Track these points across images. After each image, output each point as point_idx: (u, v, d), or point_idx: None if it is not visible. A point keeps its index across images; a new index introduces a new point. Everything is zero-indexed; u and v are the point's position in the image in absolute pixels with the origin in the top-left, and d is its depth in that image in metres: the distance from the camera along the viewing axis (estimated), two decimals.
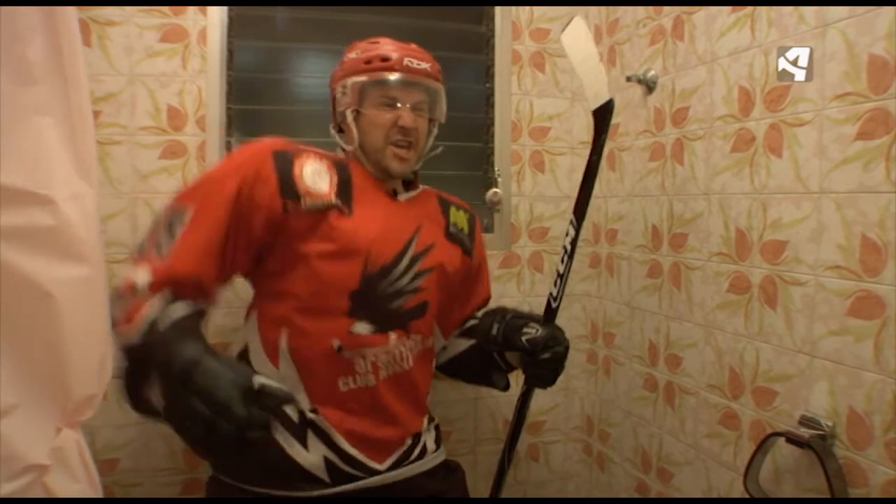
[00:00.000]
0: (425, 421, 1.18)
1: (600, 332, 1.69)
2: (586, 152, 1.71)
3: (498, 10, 1.61)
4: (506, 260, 1.66)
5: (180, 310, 0.90)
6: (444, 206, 1.25)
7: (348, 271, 1.05)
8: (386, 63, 1.10)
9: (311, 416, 1.04)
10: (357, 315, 1.05)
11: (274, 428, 0.81)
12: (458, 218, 1.26)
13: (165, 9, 1.39)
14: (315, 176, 1.06)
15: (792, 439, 1.00)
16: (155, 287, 0.91)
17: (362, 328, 1.05)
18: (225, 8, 1.42)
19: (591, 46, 1.18)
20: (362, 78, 1.10)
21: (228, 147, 1.46)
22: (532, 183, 1.67)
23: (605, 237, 1.66)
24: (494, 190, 1.61)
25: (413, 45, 1.16)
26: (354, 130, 1.12)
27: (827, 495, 0.94)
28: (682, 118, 1.34)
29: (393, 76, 1.10)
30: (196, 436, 0.76)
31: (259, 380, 0.80)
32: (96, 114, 1.36)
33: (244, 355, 1.09)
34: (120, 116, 1.38)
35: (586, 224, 1.72)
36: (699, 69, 1.28)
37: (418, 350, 1.14)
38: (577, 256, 1.71)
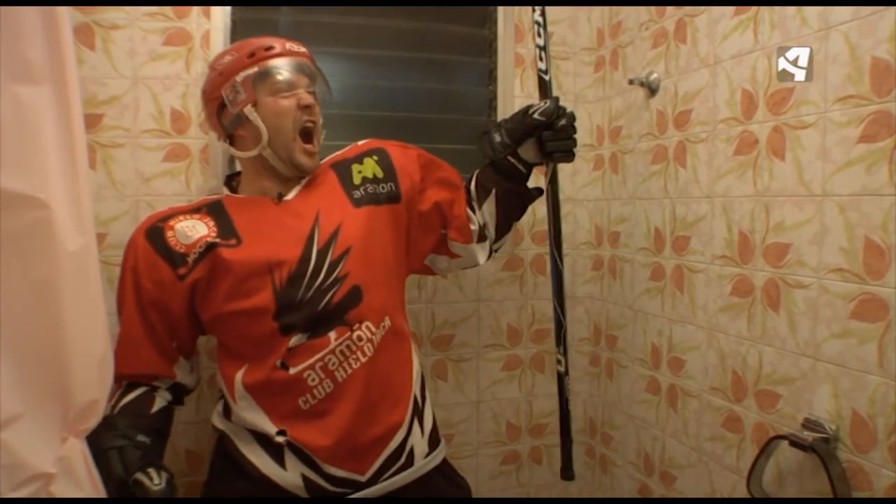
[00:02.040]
0: (409, 412, 1.11)
1: (603, 335, 1.69)
2: (588, 155, 1.74)
3: (500, 12, 1.61)
4: (509, 262, 1.66)
5: (129, 396, 1.09)
6: (343, 172, 1.18)
7: (261, 299, 1.04)
8: (271, 51, 1.10)
9: (279, 439, 1.03)
10: (289, 330, 1.04)
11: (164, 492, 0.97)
12: (367, 168, 1.19)
13: (169, 12, 1.39)
14: (186, 231, 1.08)
15: (795, 442, 1.00)
16: (117, 382, 1.04)
17: (298, 340, 1.04)
18: (228, 11, 1.43)
19: None
20: (252, 70, 1.09)
21: None
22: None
23: (608, 240, 1.66)
24: None
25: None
26: (261, 124, 1.09)
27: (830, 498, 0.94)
28: (685, 121, 1.34)
29: (282, 60, 1.10)
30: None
31: (137, 476, 0.97)
32: (100, 117, 1.37)
33: (223, 395, 1.13)
34: (123, 119, 1.38)
35: (588, 227, 1.73)
36: (702, 72, 1.28)
37: (382, 335, 1.09)
38: (579, 259, 1.73)
